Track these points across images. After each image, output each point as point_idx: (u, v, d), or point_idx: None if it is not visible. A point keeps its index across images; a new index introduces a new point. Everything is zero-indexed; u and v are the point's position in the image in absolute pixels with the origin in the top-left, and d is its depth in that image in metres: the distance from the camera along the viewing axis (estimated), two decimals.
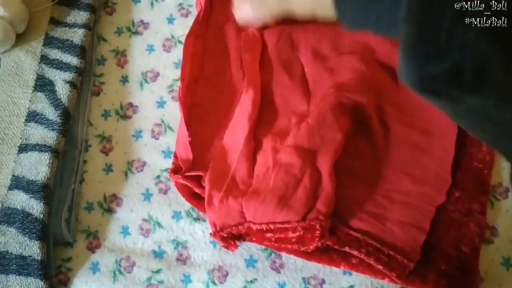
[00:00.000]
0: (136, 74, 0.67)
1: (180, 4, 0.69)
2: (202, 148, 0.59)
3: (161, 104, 0.65)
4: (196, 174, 0.58)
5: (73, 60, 0.64)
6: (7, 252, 0.55)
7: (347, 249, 0.54)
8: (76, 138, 0.62)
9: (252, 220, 0.53)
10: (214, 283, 0.56)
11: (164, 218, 0.60)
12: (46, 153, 0.59)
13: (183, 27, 0.67)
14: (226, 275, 0.57)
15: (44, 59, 0.64)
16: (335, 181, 0.55)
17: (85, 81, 0.65)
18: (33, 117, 0.61)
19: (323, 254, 0.56)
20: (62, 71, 0.63)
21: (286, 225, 0.53)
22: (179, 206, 0.60)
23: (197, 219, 0.59)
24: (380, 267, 0.53)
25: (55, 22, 0.66)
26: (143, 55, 0.67)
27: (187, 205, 0.60)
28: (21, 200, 0.57)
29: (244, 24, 0.64)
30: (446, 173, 0.58)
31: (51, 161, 0.58)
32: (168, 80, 0.66)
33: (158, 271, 0.58)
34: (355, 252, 0.54)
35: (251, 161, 0.57)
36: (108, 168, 0.62)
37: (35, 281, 0.55)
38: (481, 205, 0.57)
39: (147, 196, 0.61)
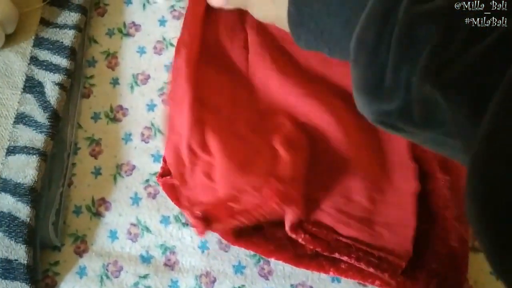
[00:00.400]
0: (126, 77, 0.66)
1: (172, 6, 0.68)
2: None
3: (151, 107, 0.64)
4: None
5: (63, 61, 0.63)
6: None
7: (336, 255, 0.54)
8: (65, 141, 0.62)
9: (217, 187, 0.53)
10: None
11: (152, 222, 0.59)
12: (34, 156, 0.58)
13: (174, 30, 0.67)
14: (214, 281, 0.57)
15: (34, 60, 0.63)
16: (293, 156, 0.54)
17: (75, 83, 0.64)
18: (21, 119, 0.61)
19: (312, 261, 0.55)
20: (52, 73, 0.62)
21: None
22: (167, 210, 0.60)
23: (185, 224, 0.59)
24: (371, 269, 0.53)
25: (46, 23, 0.65)
26: (134, 57, 0.67)
27: (176, 210, 0.59)
28: (8, 203, 0.56)
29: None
30: (406, 159, 0.57)
31: (38, 164, 0.58)
32: (159, 82, 0.65)
33: (145, 276, 0.57)
34: (345, 258, 0.53)
35: (201, 124, 0.55)
36: (97, 172, 0.62)
37: (21, 285, 0.54)
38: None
39: (136, 200, 0.60)
